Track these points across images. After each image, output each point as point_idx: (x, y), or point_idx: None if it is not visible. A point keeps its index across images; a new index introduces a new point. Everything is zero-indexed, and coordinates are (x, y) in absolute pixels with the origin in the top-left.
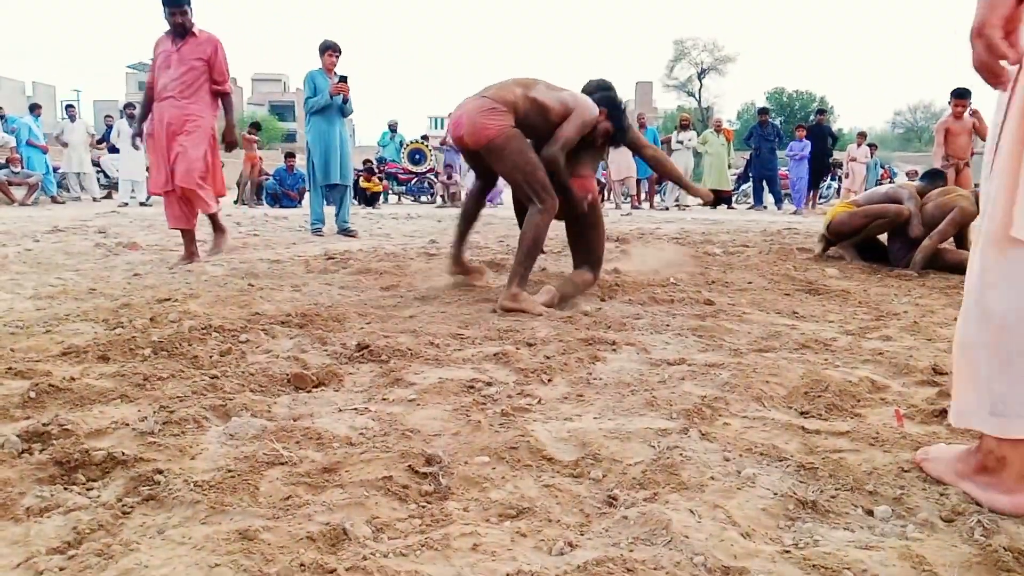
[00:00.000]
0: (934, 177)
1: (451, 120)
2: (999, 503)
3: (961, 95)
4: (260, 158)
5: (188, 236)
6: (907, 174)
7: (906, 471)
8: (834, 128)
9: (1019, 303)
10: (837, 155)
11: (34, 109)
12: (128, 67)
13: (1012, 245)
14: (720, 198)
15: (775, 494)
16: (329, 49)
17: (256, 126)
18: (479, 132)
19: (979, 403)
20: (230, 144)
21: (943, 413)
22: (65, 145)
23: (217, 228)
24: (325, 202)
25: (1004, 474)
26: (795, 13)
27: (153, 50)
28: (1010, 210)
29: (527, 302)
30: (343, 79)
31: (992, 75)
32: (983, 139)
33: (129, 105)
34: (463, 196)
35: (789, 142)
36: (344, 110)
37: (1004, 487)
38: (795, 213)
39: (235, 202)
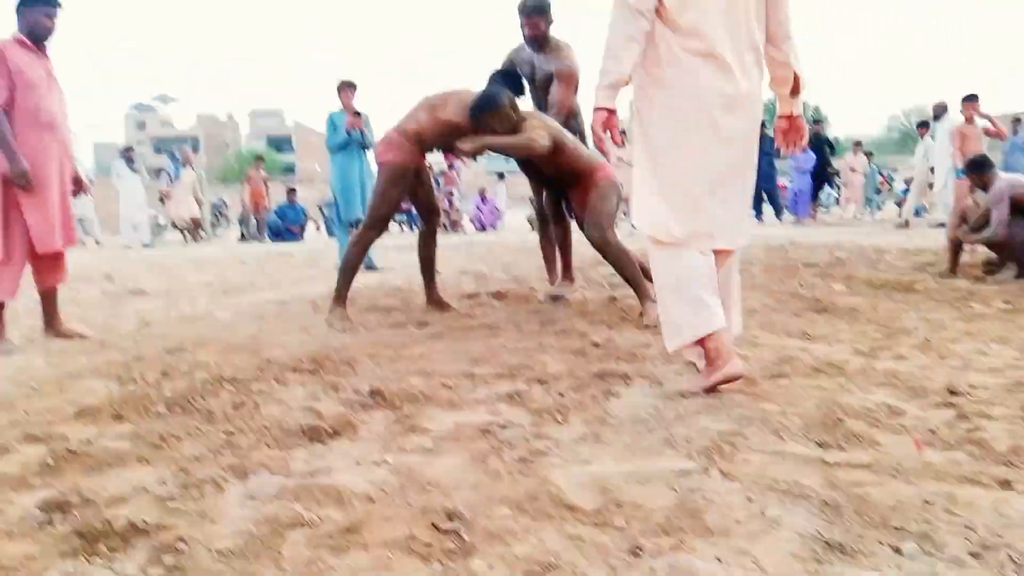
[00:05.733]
0: (984, 165)
1: None
2: (713, 376)
3: (971, 99)
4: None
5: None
6: (905, 181)
7: (930, 503)
8: (830, 136)
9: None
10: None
11: None
12: (130, 107)
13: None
14: None
15: (801, 536)
16: (345, 87)
17: (261, 158)
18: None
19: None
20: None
21: (967, 440)
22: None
23: (55, 309)
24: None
25: (716, 361)
26: None
27: (6, 59)
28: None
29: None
30: (356, 114)
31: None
32: (1003, 139)
33: (128, 148)
34: (464, 222)
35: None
36: (364, 143)
37: (716, 366)
38: (797, 223)
39: (239, 238)
